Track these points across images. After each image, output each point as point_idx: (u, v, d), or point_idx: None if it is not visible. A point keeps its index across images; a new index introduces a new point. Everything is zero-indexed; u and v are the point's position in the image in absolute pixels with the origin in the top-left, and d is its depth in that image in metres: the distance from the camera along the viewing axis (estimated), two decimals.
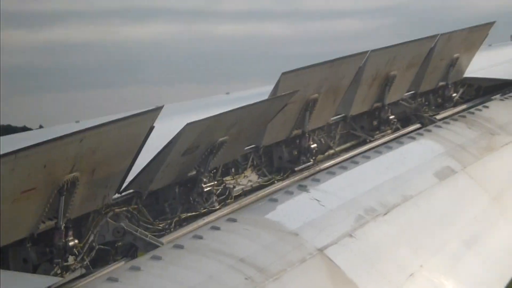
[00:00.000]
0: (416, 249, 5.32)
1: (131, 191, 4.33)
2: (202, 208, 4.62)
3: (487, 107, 8.56)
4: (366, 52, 6.35)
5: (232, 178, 5.16)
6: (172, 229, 4.37)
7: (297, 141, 5.80)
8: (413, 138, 6.98)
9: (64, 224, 3.72)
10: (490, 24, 8.75)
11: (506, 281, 5.67)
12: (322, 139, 6.13)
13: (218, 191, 4.84)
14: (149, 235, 4.11)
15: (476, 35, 8.57)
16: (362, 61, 6.30)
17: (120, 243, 4.03)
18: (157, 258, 3.89)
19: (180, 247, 4.09)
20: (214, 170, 4.86)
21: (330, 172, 5.74)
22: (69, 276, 3.64)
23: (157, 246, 4.04)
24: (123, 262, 3.86)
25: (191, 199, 4.65)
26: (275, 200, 5.02)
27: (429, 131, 7.23)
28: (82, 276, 3.68)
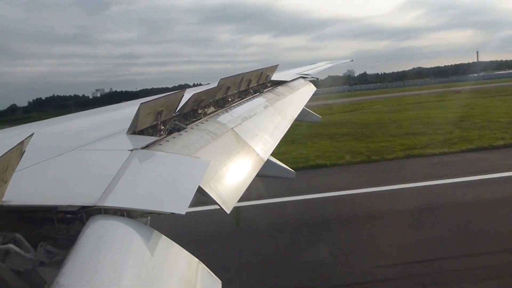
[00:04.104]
0: (258, 131, 4.90)
1: (178, 113, 4.07)
2: (196, 120, 4.34)
3: (276, 88, 8.39)
4: (243, 73, 6.10)
5: (206, 109, 4.81)
6: (189, 125, 4.10)
7: (224, 98, 5.49)
8: (257, 97, 6.70)
9: (159, 122, 3.58)
10: (276, 65, 8.55)
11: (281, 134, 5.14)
12: (230, 99, 5.73)
13: (201, 114, 4.56)
14: (183, 125, 3.92)
15: (273, 68, 8.36)
16: (243, 75, 6.02)
17: (174, 127, 3.81)
18: (186, 131, 3.80)
19: (192, 128, 3.96)
20: (200, 108, 4.59)
21: (232, 107, 5.42)
22: (155, 138, 3.38)
23: (185, 128, 3.88)
24: (176, 133, 3.69)
25: (194, 117, 4.37)
26: (218, 115, 4.80)
27: (261, 95, 6.99)
28: (163, 138, 3.44)
